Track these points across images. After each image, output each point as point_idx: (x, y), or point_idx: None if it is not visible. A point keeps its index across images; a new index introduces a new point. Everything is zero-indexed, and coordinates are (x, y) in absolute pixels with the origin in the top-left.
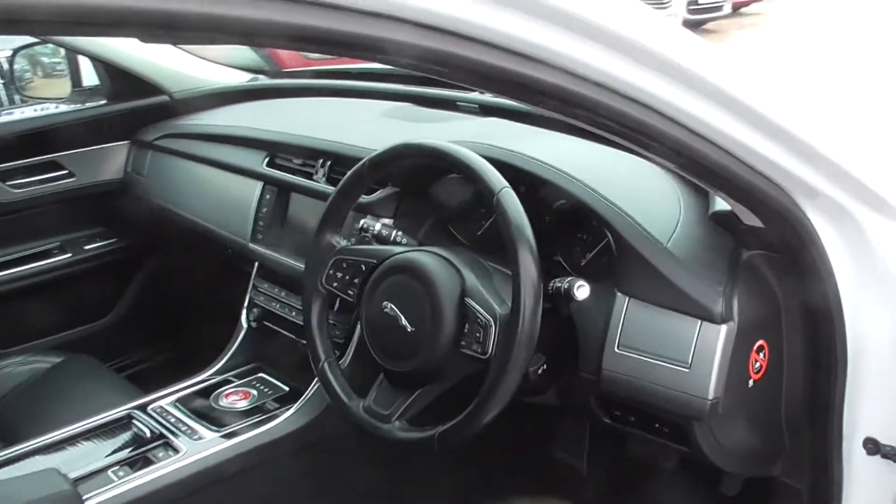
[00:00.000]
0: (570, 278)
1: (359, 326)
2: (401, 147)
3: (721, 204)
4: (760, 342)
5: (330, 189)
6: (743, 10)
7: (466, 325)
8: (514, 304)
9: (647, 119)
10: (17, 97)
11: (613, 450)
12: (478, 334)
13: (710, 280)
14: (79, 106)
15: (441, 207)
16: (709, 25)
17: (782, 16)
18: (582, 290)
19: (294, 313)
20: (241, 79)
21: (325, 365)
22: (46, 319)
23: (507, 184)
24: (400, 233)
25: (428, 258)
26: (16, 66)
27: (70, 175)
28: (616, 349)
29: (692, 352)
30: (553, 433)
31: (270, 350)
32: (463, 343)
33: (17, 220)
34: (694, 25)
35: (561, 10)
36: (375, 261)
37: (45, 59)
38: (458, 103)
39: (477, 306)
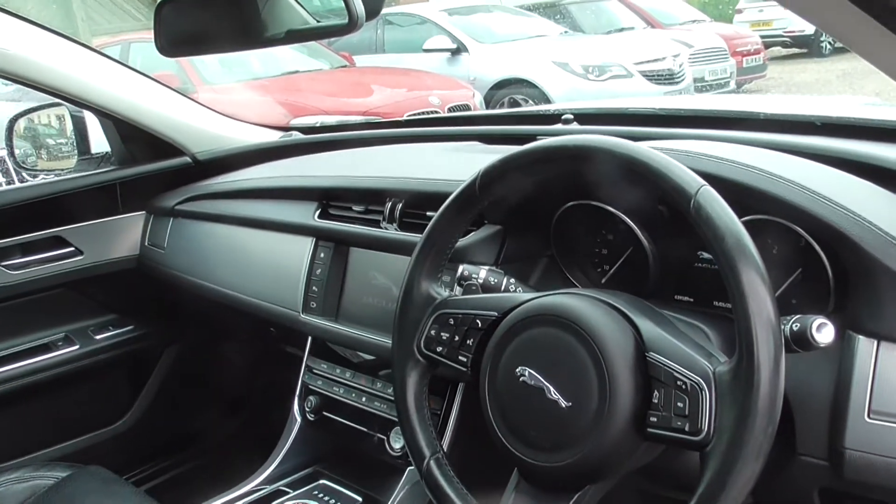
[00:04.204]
0: (797, 316)
1: (455, 407)
2: (531, 150)
3: None
4: None
5: (405, 237)
6: (746, 86)
7: (656, 393)
8: (744, 353)
9: None
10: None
11: None
12: (680, 404)
13: None
14: (88, 172)
15: (555, 247)
16: None
17: (785, 91)
18: (826, 332)
19: (364, 399)
20: (272, 136)
21: (433, 463)
22: (49, 426)
23: (704, 182)
24: (513, 280)
25: (580, 302)
26: (15, 137)
27: (77, 252)
28: (867, 418)
29: None
30: None
31: (334, 448)
32: (654, 420)
33: (14, 307)
34: None
35: None
36: (496, 313)
37: (46, 136)
38: (538, 137)
39: (672, 363)
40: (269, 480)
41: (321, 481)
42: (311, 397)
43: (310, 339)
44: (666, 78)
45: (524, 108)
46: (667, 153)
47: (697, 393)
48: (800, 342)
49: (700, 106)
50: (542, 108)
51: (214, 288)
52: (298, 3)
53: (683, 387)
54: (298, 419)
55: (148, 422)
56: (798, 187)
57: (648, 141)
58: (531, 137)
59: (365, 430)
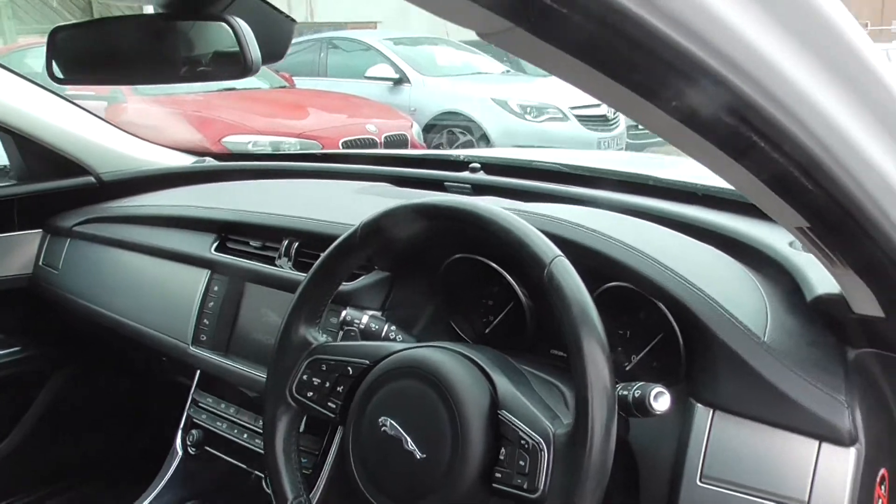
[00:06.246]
0: (639, 384)
1: (332, 452)
2: (408, 207)
3: (823, 287)
4: (883, 471)
5: (297, 276)
6: None
7: (503, 450)
8: (580, 418)
9: (816, 149)
10: None
11: None
12: (521, 462)
13: (827, 386)
14: None
15: (441, 297)
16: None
17: None
18: (662, 400)
19: (246, 435)
20: (184, 161)
21: None
22: None
23: (560, 252)
24: (394, 327)
25: (444, 356)
26: None
27: None
28: (698, 482)
29: (810, 485)
30: None
31: (213, 483)
32: (498, 475)
33: None
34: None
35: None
36: (368, 361)
37: None
38: (445, 183)
39: (519, 422)
40: None
41: None
42: (193, 431)
43: (198, 372)
44: (600, 123)
45: (435, 152)
46: (534, 219)
47: (537, 453)
48: (640, 408)
49: (599, 164)
50: (453, 153)
51: (107, 314)
52: (194, 43)
53: (526, 446)
54: (180, 452)
55: (26, 449)
56: (651, 260)
57: (538, 202)
58: (439, 183)
59: (245, 467)
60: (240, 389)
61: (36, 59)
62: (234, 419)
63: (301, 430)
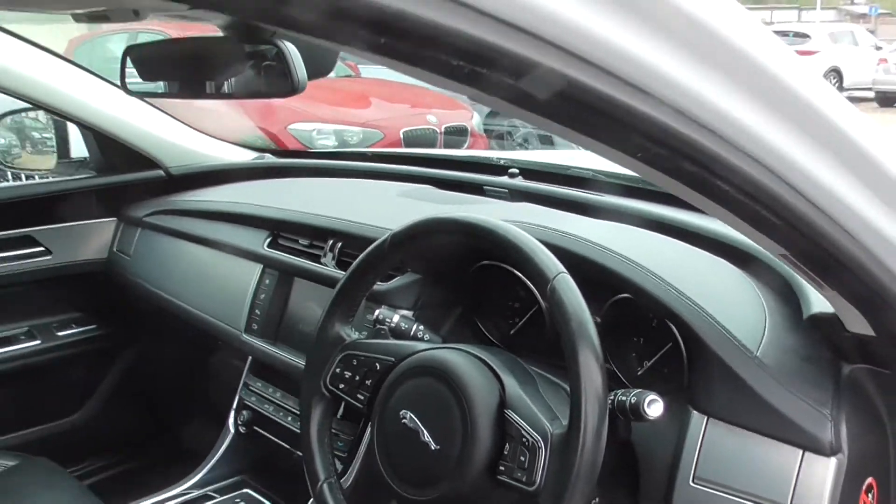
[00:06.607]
0: (637, 391)
1: (366, 438)
2: (430, 222)
3: (819, 305)
4: (870, 480)
5: (340, 274)
6: None
7: (507, 446)
8: (573, 422)
9: (776, 188)
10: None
11: None
12: (522, 458)
13: (814, 400)
14: (64, 177)
15: (469, 299)
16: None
17: None
18: (655, 407)
19: (290, 418)
20: (245, 156)
21: (325, 486)
22: (4, 416)
23: (563, 268)
24: (422, 327)
25: (459, 358)
26: None
27: (46, 252)
28: (691, 483)
29: (792, 491)
30: None
31: (260, 460)
32: (502, 468)
33: None
34: None
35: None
36: (393, 359)
37: (32, 129)
38: (485, 187)
39: (522, 421)
40: (199, 485)
41: (245, 490)
42: (244, 411)
43: (249, 358)
44: None
45: (478, 153)
46: (546, 233)
47: (536, 450)
48: (635, 414)
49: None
50: (495, 156)
51: (171, 299)
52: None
53: (527, 443)
54: (231, 430)
55: (98, 419)
56: (654, 276)
57: (571, 211)
58: (478, 187)
59: (288, 447)
60: (286, 375)
61: (118, 45)
62: (280, 403)
63: (339, 415)
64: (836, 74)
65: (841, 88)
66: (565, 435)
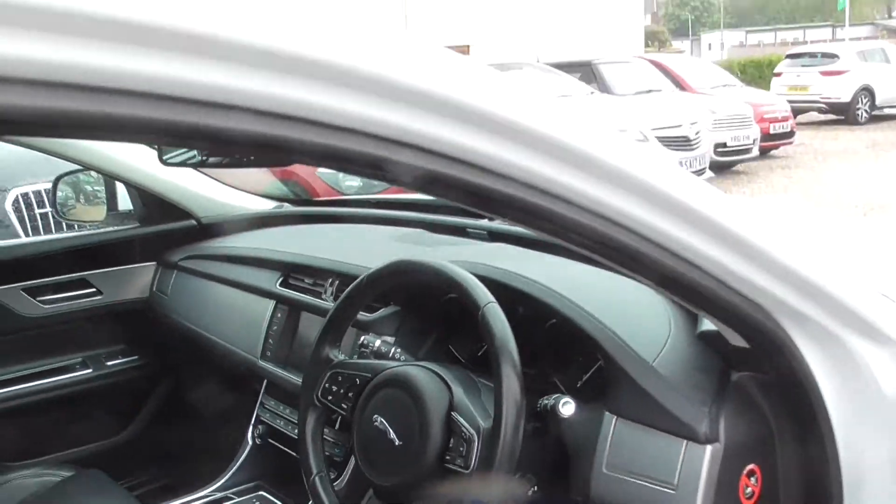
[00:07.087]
0: (556, 395)
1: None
2: (395, 264)
3: (708, 324)
4: (752, 466)
5: None
6: (772, 152)
7: (452, 440)
8: (496, 419)
9: (618, 236)
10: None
11: None
12: (461, 448)
13: (696, 400)
14: (112, 228)
15: (443, 326)
16: (738, 167)
17: (810, 159)
18: (567, 407)
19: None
20: (266, 206)
21: (317, 479)
22: (61, 434)
23: (492, 299)
24: (399, 349)
25: (418, 371)
26: (58, 193)
27: (98, 293)
28: (604, 470)
29: (678, 473)
30: None
31: (274, 468)
32: (447, 458)
33: (42, 334)
34: (722, 167)
35: (540, 138)
36: (370, 374)
37: (86, 186)
38: (467, 230)
39: (462, 420)
40: (221, 489)
41: (260, 492)
42: (260, 426)
43: (265, 380)
44: (681, 143)
45: None
46: (484, 269)
47: (472, 442)
48: (554, 414)
49: None
50: None
51: (201, 332)
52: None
53: (466, 437)
54: (250, 442)
55: (142, 437)
56: (571, 303)
57: (548, 252)
58: (462, 229)
59: (297, 456)
60: (294, 395)
61: None
62: (289, 418)
63: (336, 427)
64: (867, 93)
65: (873, 107)
66: (491, 430)
